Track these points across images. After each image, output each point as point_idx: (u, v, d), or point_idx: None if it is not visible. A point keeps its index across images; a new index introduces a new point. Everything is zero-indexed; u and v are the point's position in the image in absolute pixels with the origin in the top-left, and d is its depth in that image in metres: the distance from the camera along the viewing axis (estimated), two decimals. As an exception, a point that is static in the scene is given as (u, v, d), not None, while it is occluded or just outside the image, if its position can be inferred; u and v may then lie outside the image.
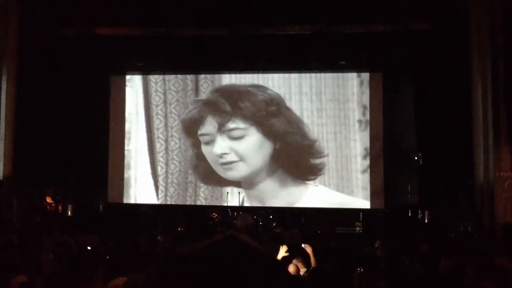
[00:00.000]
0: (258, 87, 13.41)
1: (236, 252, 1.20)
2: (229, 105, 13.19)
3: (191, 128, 13.47)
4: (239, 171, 13.07)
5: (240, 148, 13.04)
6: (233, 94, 13.37)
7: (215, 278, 1.16)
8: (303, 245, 6.32)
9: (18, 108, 12.04)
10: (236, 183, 13.25)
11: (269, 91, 13.35)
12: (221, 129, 13.11)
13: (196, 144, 13.42)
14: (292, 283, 1.24)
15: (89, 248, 8.24)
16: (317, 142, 13.10)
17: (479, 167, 10.39)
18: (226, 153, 13.02)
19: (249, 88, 13.41)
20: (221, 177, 13.23)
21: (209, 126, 13.25)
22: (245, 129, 13.09)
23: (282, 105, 13.23)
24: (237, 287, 1.17)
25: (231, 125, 13.13)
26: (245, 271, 1.18)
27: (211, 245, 1.23)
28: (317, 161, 13.06)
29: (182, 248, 1.28)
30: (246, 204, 13.16)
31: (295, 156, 13.08)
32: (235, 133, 13.05)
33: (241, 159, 13.01)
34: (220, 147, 13.07)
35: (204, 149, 13.31)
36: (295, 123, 13.15)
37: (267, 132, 13.06)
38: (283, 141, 13.05)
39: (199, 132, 13.35)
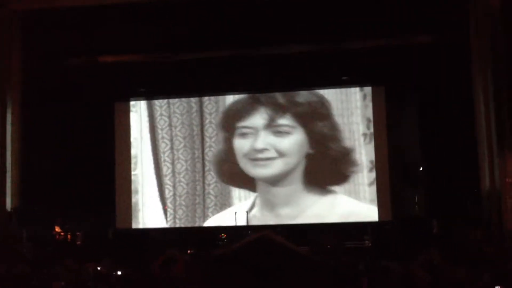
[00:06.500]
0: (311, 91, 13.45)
1: (270, 251, 1.20)
2: (285, 99, 13.28)
3: (231, 119, 13.47)
4: (272, 168, 13.04)
5: (282, 145, 13.06)
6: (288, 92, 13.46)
7: (250, 278, 1.16)
8: None
9: (23, 139, 12.14)
10: (251, 185, 13.22)
11: (321, 94, 13.41)
12: (270, 123, 13.14)
13: (228, 139, 13.43)
14: (327, 281, 1.25)
15: (99, 275, 8.26)
16: (353, 151, 13.09)
17: (485, 175, 10.40)
18: (266, 149, 13.05)
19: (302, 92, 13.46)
20: (243, 177, 13.18)
21: (257, 119, 13.27)
22: (293, 127, 13.15)
23: (330, 111, 13.30)
24: (273, 286, 1.17)
25: (280, 121, 13.17)
26: (280, 270, 1.17)
27: (246, 246, 1.22)
28: (350, 169, 13.05)
29: (217, 250, 1.30)
30: (256, 208, 13.17)
31: (329, 162, 13.09)
32: (281, 129, 13.09)
33: (280, 156, 13.01)
34: (262, 142, 13.09)
35: (238, 142, 13.30)
36: (337, 130, 13.18)
37: (311, 133, 13.12)
38: (322, 145, 13.08)
39: (241, 124, 13.35)
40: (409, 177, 12.76)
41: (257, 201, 13.24)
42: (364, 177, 13.08)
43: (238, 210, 13.06)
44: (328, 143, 13.12)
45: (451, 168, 11.88)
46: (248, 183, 13.32)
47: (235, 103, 13.63)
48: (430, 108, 12.64)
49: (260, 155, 13.06)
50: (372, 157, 13.09)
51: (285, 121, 13.18)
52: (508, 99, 10.46)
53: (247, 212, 13.06)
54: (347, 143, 13.21)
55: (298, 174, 13.14)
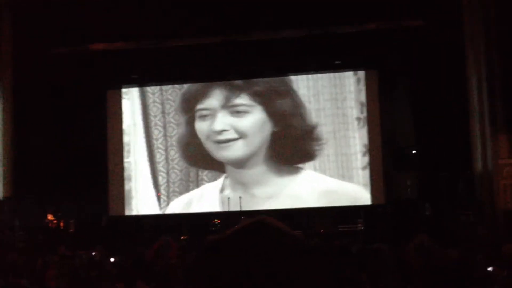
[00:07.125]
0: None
1: (267, 237, 1.18)
2: (241, 80, 13.20)
3: (190, 101, 13.37)
4: (234, 151, 12.93)
5: (241, 125, 12.93)
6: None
7: (246, 265, 1.15)
8: None
9: (16, 128, 12.09)
10: (221, 167, 13.16)
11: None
12: (226, 104, 13.00)
13: (190, 121, 13.35)
14: (325, 267, 1.22)
15: (93, 262, 8.24)
16: (318, 127, 13.05)
17: (477, 157, 10.42)
18: (225, 130, 12.91)
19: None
20: (209, 159, 13.10)
21: (213, 100, 13.15)
22: (251, 106, 13.03)
23: (291, 87, 13.25)
24: (269, 273, 1.15)
25: (237, 100, 13.07)
26: (277, 256, 1.16)
27: (241, 231, 1.21)
28: (316, 146, 13.02)
29: (211, 236, 1.28)
30: (228, 189, 13.09)
31: (294, 140, 13.03)
32: (239, 109, 12.93)
33: (241, 137, 12.88)
34: (220, 123, 12.96)
35: (199, 125, 13.20)
36: (299, 106, 13.12)
37: (272, 112, 12.99)
38: (284, 124, 12.99)
39: (199, 107, 13.25)
40: (402, 160, 12.78)
41: (227, 182, 13.16)
42: (358, 161, 13.07)
43: (206, 191, 13.08)
44: (291, 121, 13.05)
45: (444, 150, 11.89)
46: (216, 164, 13.23)
47: (191, 86, 13.53)
48: (423, 92, 12.63)
49: (220, 137, 12.93)
50: (366, 141, 13.08)
51: (241, 100, 13.05)
52: (501, 81, 10.46)
53: (240, 197, 12.89)
54: (341, 127, 13.19)
55: (265, 153, 13.00)
